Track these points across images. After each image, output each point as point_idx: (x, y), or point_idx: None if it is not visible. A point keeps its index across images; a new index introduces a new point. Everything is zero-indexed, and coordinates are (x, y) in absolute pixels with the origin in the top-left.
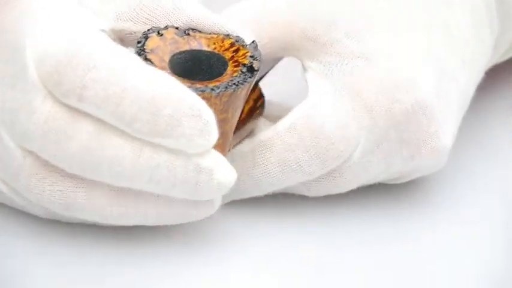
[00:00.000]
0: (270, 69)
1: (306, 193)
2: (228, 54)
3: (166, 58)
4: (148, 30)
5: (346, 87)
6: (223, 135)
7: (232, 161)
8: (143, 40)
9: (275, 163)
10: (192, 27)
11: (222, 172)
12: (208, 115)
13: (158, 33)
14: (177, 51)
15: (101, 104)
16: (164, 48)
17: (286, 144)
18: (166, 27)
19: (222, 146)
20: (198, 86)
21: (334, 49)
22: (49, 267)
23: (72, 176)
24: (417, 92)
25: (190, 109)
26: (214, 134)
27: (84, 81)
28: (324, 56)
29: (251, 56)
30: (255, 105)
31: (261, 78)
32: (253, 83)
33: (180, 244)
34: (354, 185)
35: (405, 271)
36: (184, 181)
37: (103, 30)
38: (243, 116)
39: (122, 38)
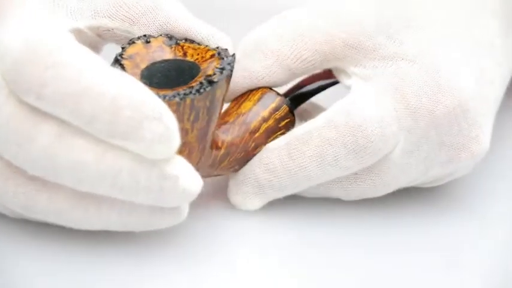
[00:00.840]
0: (324, 87)
1: (344, 197)
2: (204, 65)
3: (143, 65)
4: (138, 37)
5: (389, 88)
6: (185, 146)
7: (267, 157)
8: (126, 46)
9: (312, 157)
10: (169, 27)
11: (188, 179)
12: (170, 120)
13: (146, 40)
14: (159, 59)
15: (60, 102)
16: (145, 55)
17: (323, 138)
18: (158, 36)
19: (189, 158)
20: None
21: (377, 53)
22: (39, 267)
23: (35, 179)
24: (460, 95)
25: (152, 111)
26: (175, 141)
27: (43, 79)
28: (368, 61)
29: (219, 68)
30: (277, 125)
31: (310, 95)
32: (219, 93)
33: (188, 246)
34: (392, 188)
35: (432, 273)
36: (148, 187)
37: (77, 29)
38: (257, 134)
39: (100, 35)
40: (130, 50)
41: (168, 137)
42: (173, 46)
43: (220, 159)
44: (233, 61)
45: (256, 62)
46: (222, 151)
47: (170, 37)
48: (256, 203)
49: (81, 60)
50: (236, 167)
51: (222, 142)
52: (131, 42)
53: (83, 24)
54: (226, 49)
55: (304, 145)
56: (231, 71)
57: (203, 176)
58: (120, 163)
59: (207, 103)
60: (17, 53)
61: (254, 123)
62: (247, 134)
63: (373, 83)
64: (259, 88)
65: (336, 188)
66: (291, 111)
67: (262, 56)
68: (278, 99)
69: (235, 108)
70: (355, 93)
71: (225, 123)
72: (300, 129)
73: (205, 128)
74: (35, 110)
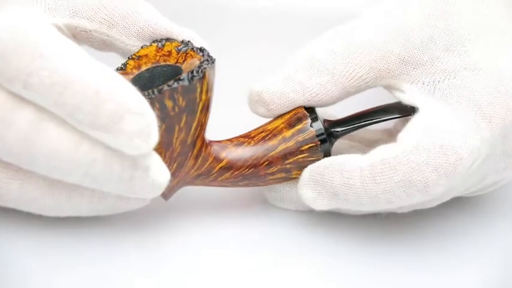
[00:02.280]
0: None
1: (397, 210)
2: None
3: (144, 67)
4: (161, 39)
5: (462, 101)
6: None
7: (348, 172)
8: (144, 46)
9: (399, 183)
10: (150, 30)
11: (158, 170)
12: (151, 117)
13: (161, 44)
14: (163, 63)
15: (45, 92)
16: (152, 58)
17: (413, 163)
18: (175, 41)
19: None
20: None
21: (436, 67)
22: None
23: (7, 167)
24: None
25: (134, 106)
26: (154, 137)
27: (30, 69)
28: (427, 76)
29: (176, 79)
30: (298, 148)
31: (364, 123)
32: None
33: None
34: (447, 199)
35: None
36: (120, 177)
37: (55, 24)
38: (273, 152)
39: (75, 35)
40: (143, 51)
41: (147, 132)
42: (181, 52)
43: (220, 171)
44: (194, 76)
45: (311, 78)
46: (223, 164)
47: (187, 43)
48: (325, 206)
49: (67, 52)
50: (246, 182)
51: (226, 155)
52: (150, 44)
53: (60, 21)
54: (209, 61)
55: (391, 170)
56: (190, 83)
57: (196, 184)
58: (95, 152)
59: (156, 111)
60: (3, 43)
61: (273, 142)
62: (260, 151)
63: (441, 97)
64: (296, 107)
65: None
66: (320, 135)
67: (316, 72)
68: (306, 121)
69: (265, 123)
70: (429, 111)
71: (246, 136)
72: (384, 153)
73: (167, 136)
74: (14, 98)
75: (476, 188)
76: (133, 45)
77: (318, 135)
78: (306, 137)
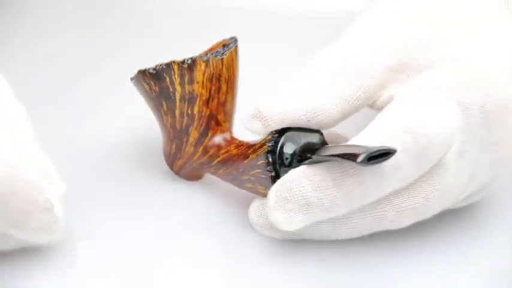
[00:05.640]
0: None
1: (396, 224)
2: None
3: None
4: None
5: (438, 88)
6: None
7: (316, 174)
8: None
9: (370, 170)
10: None
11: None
12: (59, 212)
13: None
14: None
15: None
16: (210, 50)
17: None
18: (229, 38)
19: (166, 143)
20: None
21: (418, 65)
22: None
23: None
24: (509, 90)
25: (44, 203)
26: (59, 232)
27: None
28: (410, 79)
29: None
30: (255, 163)
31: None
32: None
33: None
34: (443, 203)
35: None
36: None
37: None
38: (246, 160)
39: None
40: (214, 46)
41: (54, 228)
42: (224, 51)
43: (218, 165)
44: (161, 65)
45: (313, 98)
46: (220, 159)
47: (231, 41)
48: (300, 222)
49: None
50: (237, 183)
51: (224, 152)
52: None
53: None
54: (201, 57)
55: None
56: (155, 71)
57: (206, 172)
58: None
59: (142, 89)
60: None
61: (250, 151)
62: (240, 158)
63: (416, 87)
64: None
65: (389, 209)
66: (270, 153)
67: (317, 93)
68: (267, 138)
69: None
70: (400, 100)
71: (252, 141)
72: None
73: (158, 117)
74: None
75: (472, 189)
76: None
77: (269, 153)
78: (259, 153)
